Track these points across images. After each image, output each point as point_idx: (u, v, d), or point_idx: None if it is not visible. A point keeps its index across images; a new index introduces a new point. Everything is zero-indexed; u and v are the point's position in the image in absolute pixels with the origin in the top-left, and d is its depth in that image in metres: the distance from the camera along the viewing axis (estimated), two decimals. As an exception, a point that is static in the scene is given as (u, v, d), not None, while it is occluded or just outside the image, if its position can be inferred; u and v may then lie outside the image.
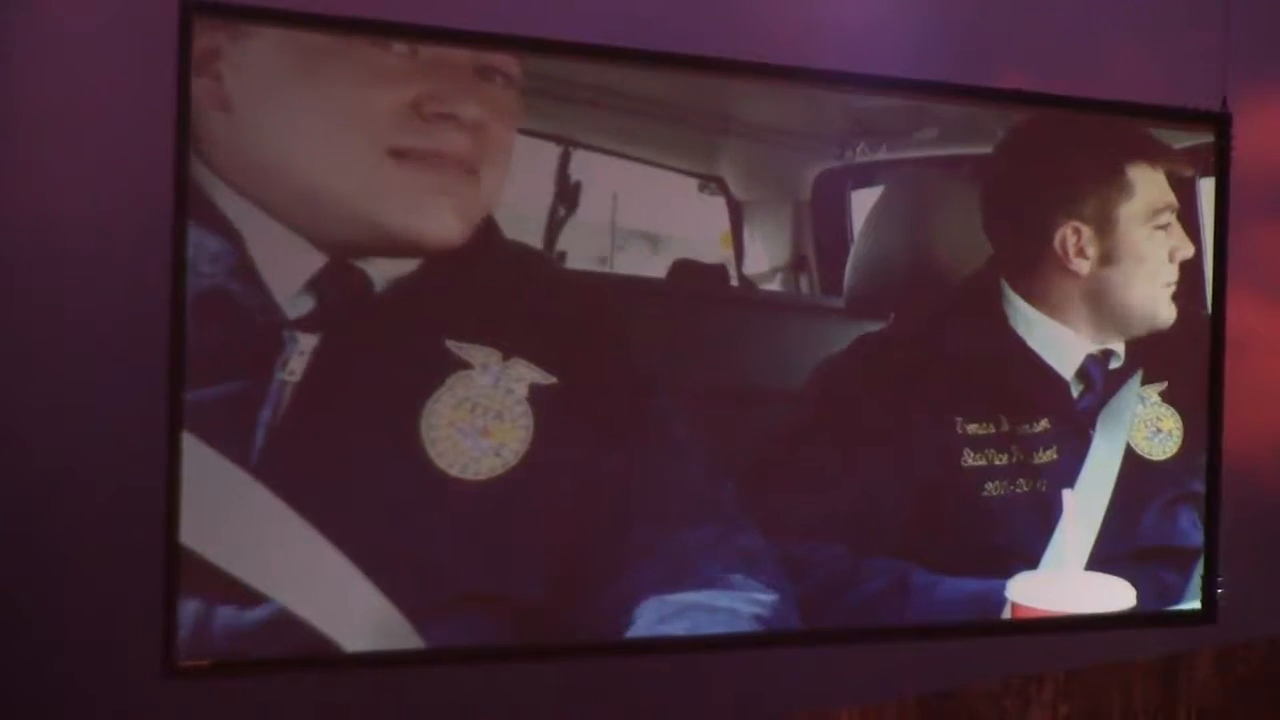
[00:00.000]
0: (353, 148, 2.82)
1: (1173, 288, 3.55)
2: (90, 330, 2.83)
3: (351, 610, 2.86)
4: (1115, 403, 3.56)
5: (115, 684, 2.83)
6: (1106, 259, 3.47)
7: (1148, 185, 3.52)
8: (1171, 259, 3.55)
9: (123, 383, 2.82)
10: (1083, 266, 3.46)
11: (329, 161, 2.81)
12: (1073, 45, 3.63)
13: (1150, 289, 3.53)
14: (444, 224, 2.90)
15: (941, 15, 3.51)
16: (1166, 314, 3.56)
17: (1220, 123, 3.62)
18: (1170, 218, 3.53)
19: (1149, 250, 3.51)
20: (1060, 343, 3.48)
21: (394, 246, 2.88)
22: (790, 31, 3.32)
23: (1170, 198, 3.53)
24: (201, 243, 2.76)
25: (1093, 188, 3.47)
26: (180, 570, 2.75)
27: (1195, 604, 3.64)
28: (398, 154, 2.85)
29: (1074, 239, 3.44)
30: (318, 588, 2.84)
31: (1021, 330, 3.46)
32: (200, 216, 2.76)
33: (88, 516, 2.82)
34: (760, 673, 3.30)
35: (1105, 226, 3.47)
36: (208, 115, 2.76)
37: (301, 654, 2.84)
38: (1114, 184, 3.48)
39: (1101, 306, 3.49)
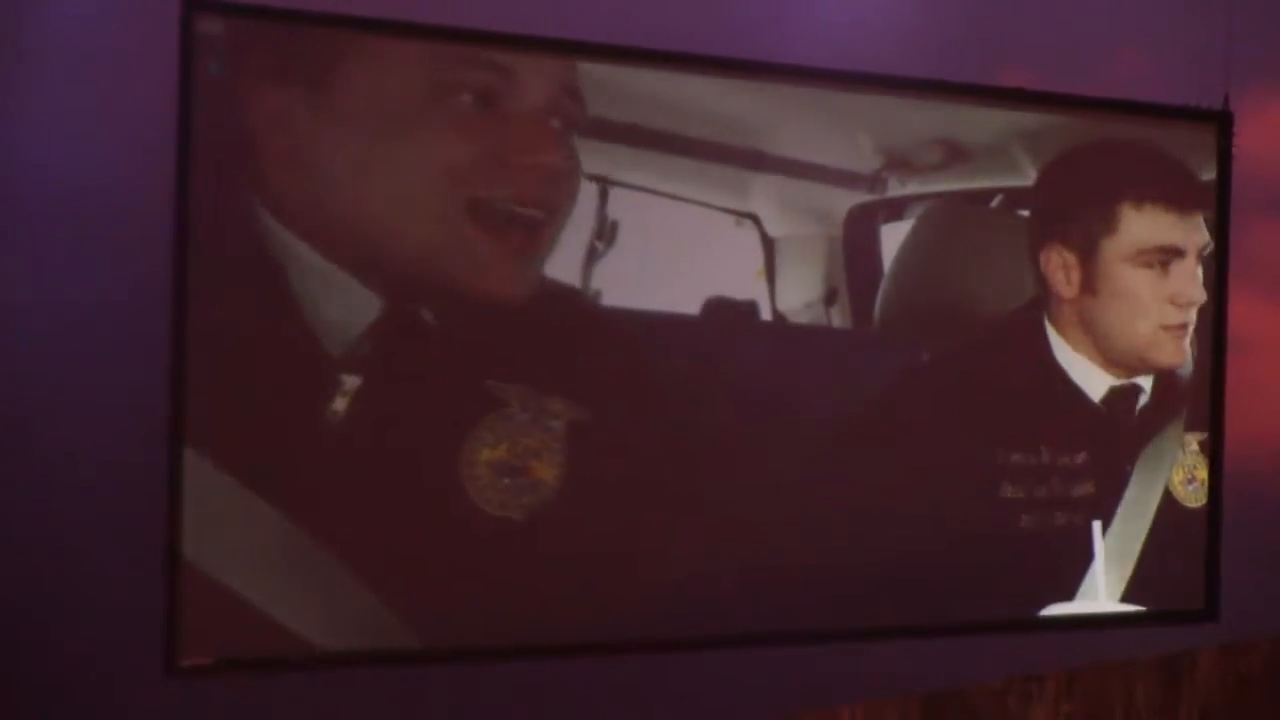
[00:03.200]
0: (434, 200, 3.00)
1: (1179, 331, 3.67)
2: (93, 337, 2.99)
3: (381, 643, 3.04)
4: (1157, 444, 3.72)
5: (118, 682, 2.97)
6: (1087, 288, 3.60)
7: (1140, 226, 3.62)
8: (1174, 302, 3.64)
9: (127, 388, 2.97)
10: (1067, 291, 3.59)
11: (410, 213, 2.99)
12: (1076, 45, 3.74)
13: (1136, 325, 3.65)
14: (512, 279, 3.07)
15: (944, 15, 3.63)
16: (1168, 356, 3.68)
17: (1222, 121, 3.72)
18: (1165, 258, 3.63)
19: (1132, 287, 3.62)
20: (1083, 374, 3.64)
21: (461, 297, 3.04)
22: (792, 32, 3.46)
23: (1170, 240, 3.64)
24: (262, 284, 2.92)
25: (1082, 217, 3.59)
26: (182, 568, 2.88)
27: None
28: (477, 207, 3.00)
29: (1058, 262, 3.57)
30: (347, 625, 3.01)
31: (1059, 360, 3.62)
32: (262, 260, 2.92)
33: (90, 516, 2.96)
34: (764, 671, 3.43)
35: (1087, 256, 3.59)
36: (283, 168, 2.92)
37: (303, 653, 2.98)
38: (1099, 216, 3.59)
39: (1092, 335, 3.63)
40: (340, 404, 2.94)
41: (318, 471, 2.94)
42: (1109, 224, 3.59)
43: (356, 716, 3.17)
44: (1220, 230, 3.71)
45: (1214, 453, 3.77)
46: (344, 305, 2.94)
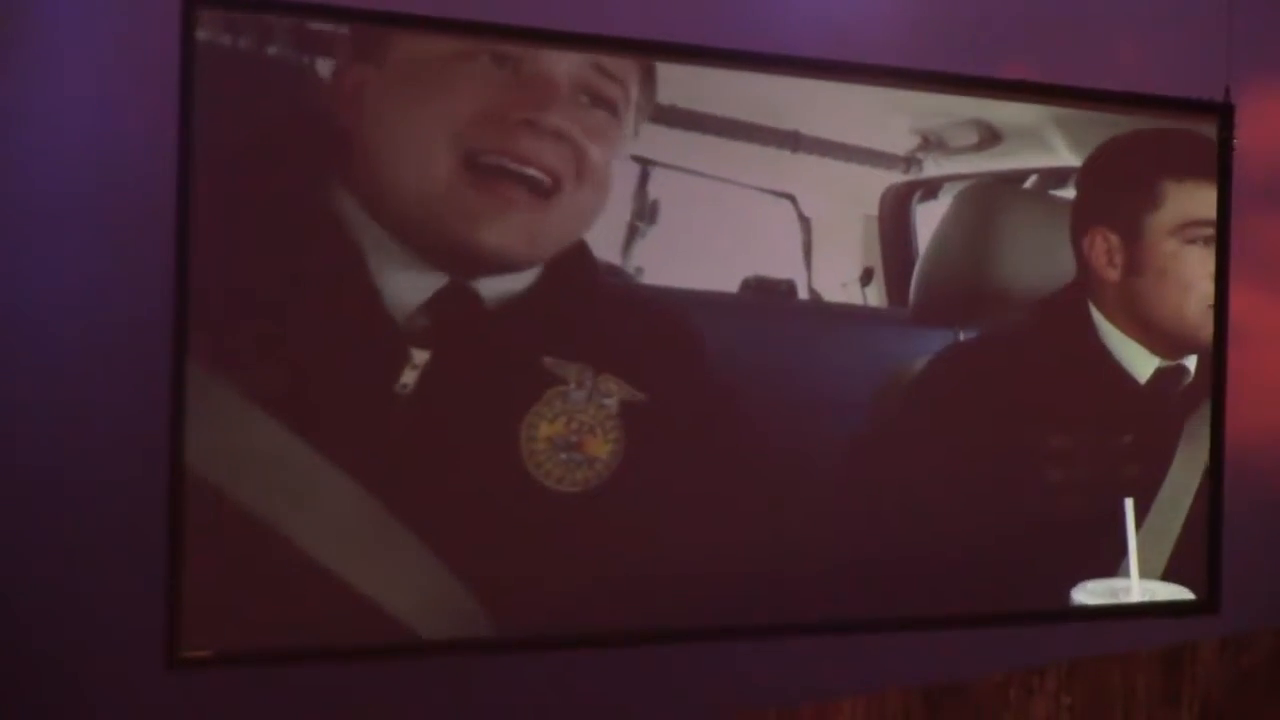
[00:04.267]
0: (435, 153, 3.05)
1: None
2: (85, 324, 3.02)
3: (443, 609, 3.11)
4: (1196, 421, 3.78)
5: (118, 675, 3.01)
6: (1132, 269, 3.67)
7: (1183, 197, 3.71)
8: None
9: (126, 377, 3.01)
10: (1111, 275, 3.66)
11: (433, 176, 3.05)
12: (1077, 37, 3.80)
13: (1183, 302, 3.73)
14: (520, 238, 3.12)
15: (946, 7, 3.69)
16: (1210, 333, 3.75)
17: (1223, 113, 3.77)
18: (1210, 232, 3.73)
19: (1177, 264, 3.71)
20: (1129, 356, 3.70)
21: (485, 261, 3.11)
22: (793, 27, 3.51)
23: (1212, 215, 3.73)
24: (333, 262, 3.00)
25: (1124, 198, 3.67)
26: (185, 562, 2.94)
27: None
28: (471, 156, 3.06)
29: (1102, 246, 3.64)
30: (414, 587, 3.08)
31: (1106, 343, 3.69)
32: (333, 237, 3.00)
33: (92, 508, 2.98)
34: (766, 662, 3.48)
35: (1131, 236, 3.67)
36: (354, 144, 3.00)
37: (303, 647, 3.06)
38: (1142, 193, 3.68)
39: (1138, 317, 3.70)
40: (410, 377, 3.03)
41: (388, 442, 3.04)
42: (1152, 200, 3.66)
43: (360, 711, 3.20)
44: (1221, 222, 3.76)
45: (1215, 445, 3.81)
46: (401, 278, 3.03)
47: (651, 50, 3.25)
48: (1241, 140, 3.77)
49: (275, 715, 3.11)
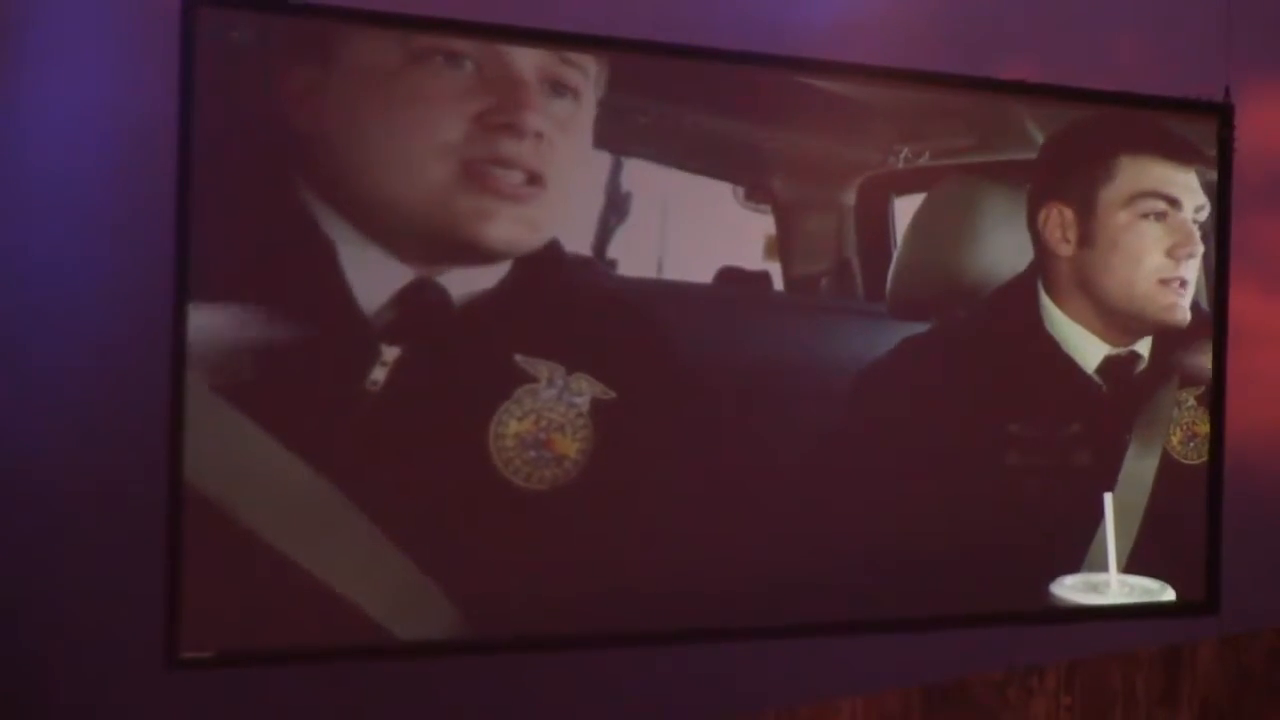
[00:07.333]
0: (424, 161, 3.07)
1: (1177, 286, 3.74)
2: (84, 325, 3.00)
3: (413, 606, 3.11)
4: (1152, 407, 3.77)
5: (117, 676, 2.99)
6: (1085, 242, 3.66)
7: (1136, 171, 3.70)
8: (1171, 255, 3.72)
9: (124, 376, 2.99)
10: (1064, 250, 3.66)
11: (406, 175, 3.06)
12: (1076, 36, 3.80)
13: (1133, 277, 3.71)
14: (511, 231, 3.14)
15: (944, 5, 3.70)
16: (1165, 311, 3.75)
17: (1223, 113, 3.80)
18: (1162, 207, 3.70)
19: (1128, 236, 3.69)
20: (1079, 344, 3.70)
21: (469, 254, 3.12)
22: (792, 24, 3.50)
23: (1164, 188, 3.71)
24: (300, 258, 3.02)
25: (1080, 172, 3.68)
26: (183, 561, 2.95)
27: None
28: (465, 164, 3.08)
29: (1057, 220, 3.65)
30: (382, 585, 3.09)
31: (1053, 331, 3.68)
32: (301, 234, 3.02)
33: (90, 506, 2.98)
34: (763, 663, 3.46)
35: (1085, 209, 3.67)
36: (311, 142, 3.01)
37: (303, 646, 3.06)
38: (1098, 167, 3.68)
39: (1088, 293, 3.68)
40: (379, 374, 3.06)
41: (358, 437, 3.06)
42: (1106, 172, 3.67)
43: (360, 710, 3.21)
44: (1221, 222, 3.77)
45: (1215, 446, 3.82)
46: (372, 274, 3.05)
47: (629, 48, 3.27)
48: (1240, 140, 3.79)
49: (275, 717, 3.13)
